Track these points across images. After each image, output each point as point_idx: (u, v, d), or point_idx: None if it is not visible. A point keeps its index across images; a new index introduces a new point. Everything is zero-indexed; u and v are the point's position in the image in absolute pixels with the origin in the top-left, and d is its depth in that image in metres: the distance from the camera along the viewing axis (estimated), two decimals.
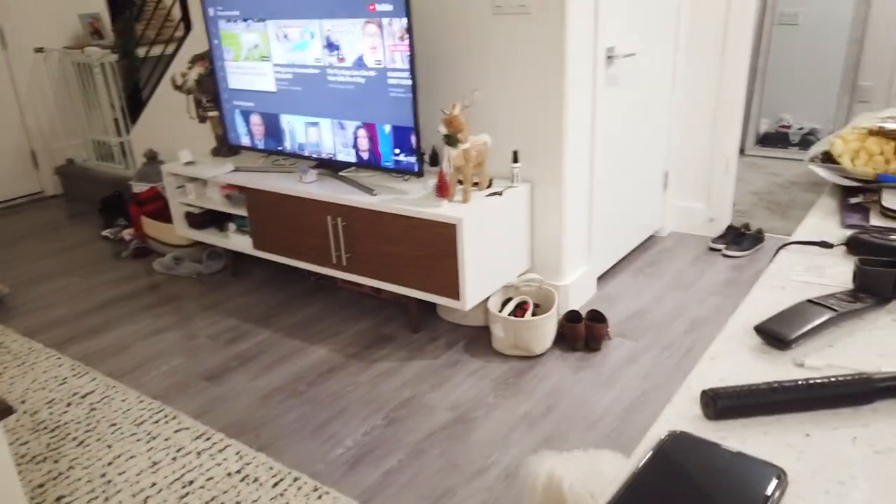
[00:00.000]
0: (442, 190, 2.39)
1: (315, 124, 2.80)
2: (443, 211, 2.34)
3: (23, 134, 4.75)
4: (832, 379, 0.63)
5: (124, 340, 2.83)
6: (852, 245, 0.94)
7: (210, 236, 3.29)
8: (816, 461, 0.56)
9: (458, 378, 2.37)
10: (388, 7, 2.36)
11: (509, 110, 2.57)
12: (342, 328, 2.79)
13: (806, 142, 4.56)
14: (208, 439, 2.13)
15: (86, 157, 4.82)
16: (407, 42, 2.35)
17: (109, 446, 2.13)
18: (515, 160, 2.56)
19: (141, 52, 4.22)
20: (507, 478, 1.87)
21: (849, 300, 0.78)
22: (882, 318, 0.78)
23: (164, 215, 3.53)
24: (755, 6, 3.08)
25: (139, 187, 3.78)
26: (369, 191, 2.59)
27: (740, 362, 0.71)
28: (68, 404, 2.38)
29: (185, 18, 3.60)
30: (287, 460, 2.01)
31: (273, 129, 2.97)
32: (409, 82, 2.41)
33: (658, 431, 0.59)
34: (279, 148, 2.99)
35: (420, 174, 2.55)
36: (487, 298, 2.53)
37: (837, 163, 1.17)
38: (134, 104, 4.28)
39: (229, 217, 3.20)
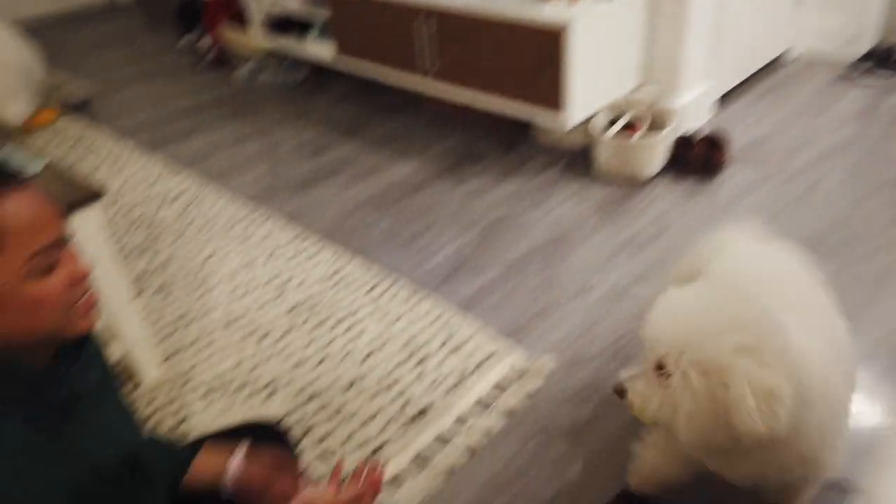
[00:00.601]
0: None
1: None
2: (547, 15, 2.05)
3: None
4: None
5: (209, 147, 2.78)
6: None
7: (290, 44, 3.10)
8: None
9: (555, 199, 2.22)
10: None
11: None
12: (428, 145, 2.64)
13: None
14: (305, 240, 2.10)
15: None
16: None
17: (207, 241, 2.14)
18: None
19: None
20: (609, 300, 1.77)
21: None
22: None
23: (240, 20, 3.34)
24: None
25: None
26: None
27: None
28: (162, 201, 2.38)
29: None
30: (382, 265, 1.97)
31: None
32: None
33: None
34: None
35: None
36: (590, 119, 2.29)
37: None
38: None
39: (308, 25, 2.99)
